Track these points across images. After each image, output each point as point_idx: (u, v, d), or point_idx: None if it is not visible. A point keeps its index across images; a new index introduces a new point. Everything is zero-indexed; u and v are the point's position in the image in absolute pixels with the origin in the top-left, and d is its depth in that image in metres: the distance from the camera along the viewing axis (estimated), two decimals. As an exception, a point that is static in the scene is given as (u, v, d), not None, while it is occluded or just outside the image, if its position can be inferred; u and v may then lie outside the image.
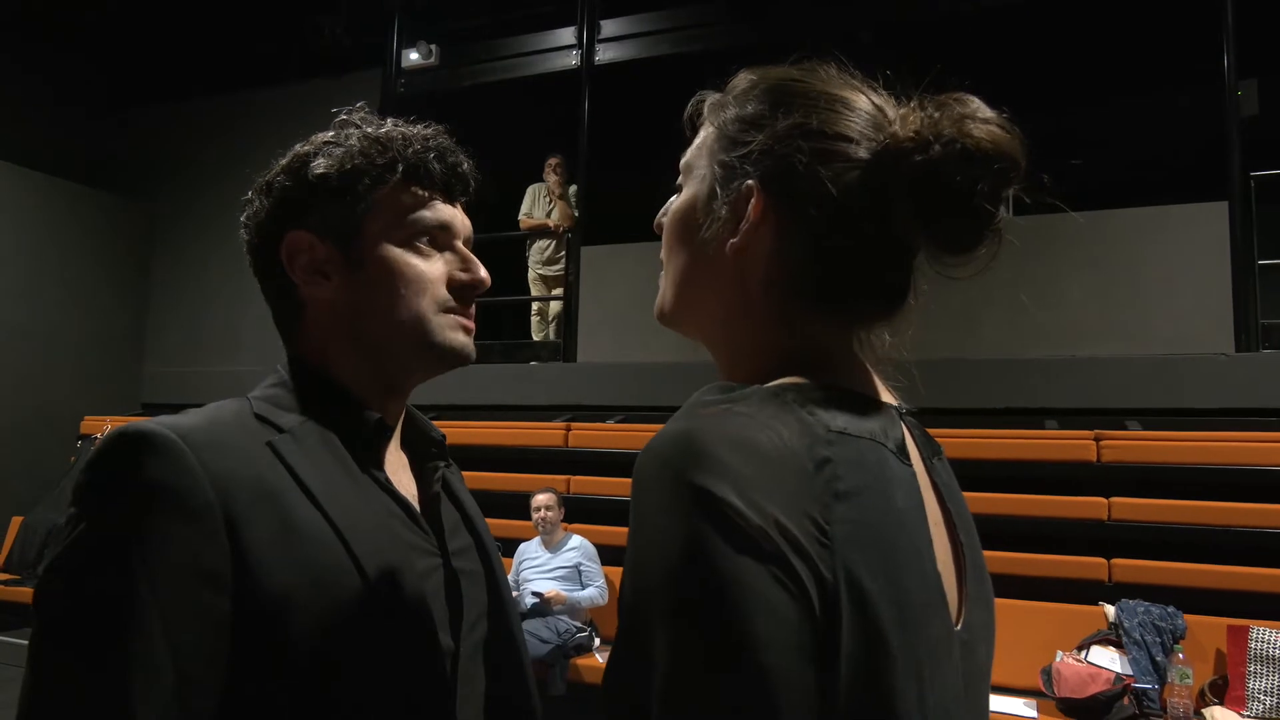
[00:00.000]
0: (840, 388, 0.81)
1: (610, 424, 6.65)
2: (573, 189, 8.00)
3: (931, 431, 0.93)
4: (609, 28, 7.91)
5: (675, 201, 0.92)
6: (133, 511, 0.90)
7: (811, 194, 0.82)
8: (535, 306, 8.14)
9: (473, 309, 1.15)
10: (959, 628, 0.81)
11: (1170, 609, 4.60)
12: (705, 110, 0.92)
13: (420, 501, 1.14)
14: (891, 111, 0.85)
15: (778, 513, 0.69)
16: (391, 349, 1.11)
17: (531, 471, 6.40)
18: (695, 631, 0.67)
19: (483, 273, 1.14)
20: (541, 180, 8.16)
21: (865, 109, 0.85)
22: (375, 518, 1.02)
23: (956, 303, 6.12)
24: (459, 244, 1.16)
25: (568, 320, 7.73)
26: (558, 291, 7.97)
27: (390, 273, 1.10)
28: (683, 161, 0.92)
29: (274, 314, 1.15)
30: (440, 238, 1.14)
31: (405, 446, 1.19)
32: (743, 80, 0.91)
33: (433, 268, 1.12)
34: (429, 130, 1.15)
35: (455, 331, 1.12)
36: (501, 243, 8.07)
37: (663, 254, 0.92)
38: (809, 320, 0.85)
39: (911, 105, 0.85)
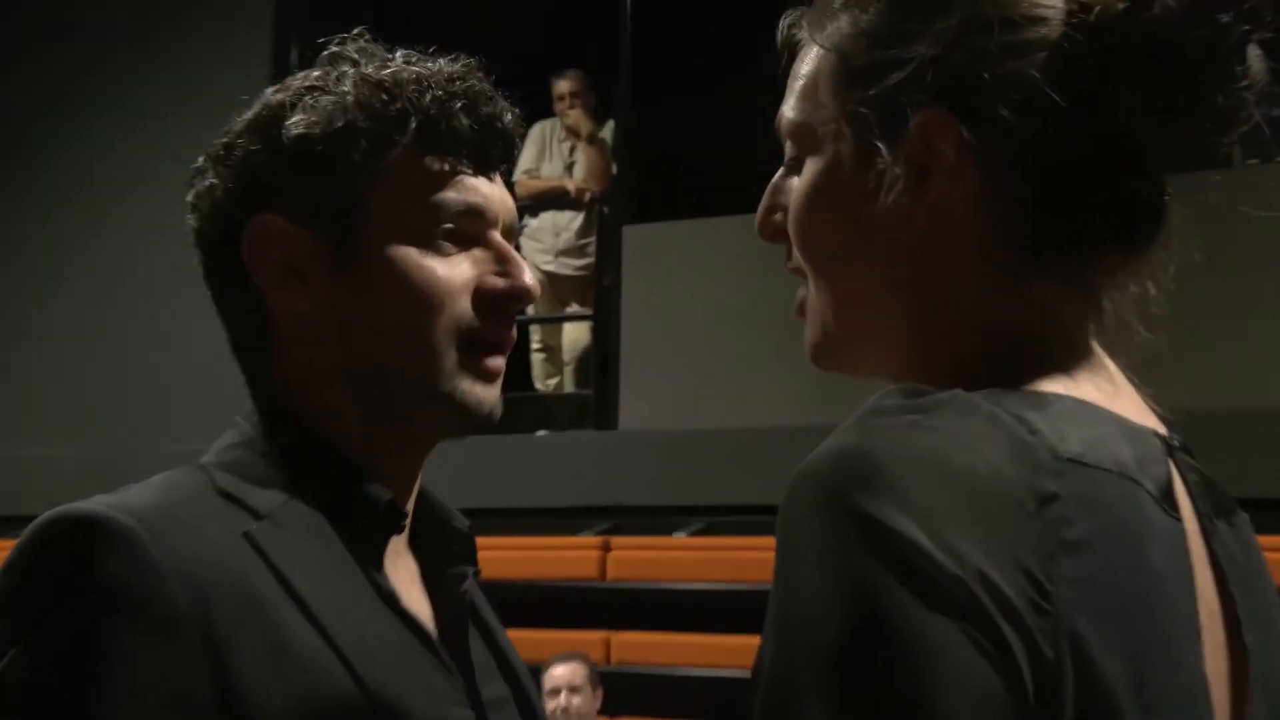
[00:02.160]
0: (1076, 398, 0.70)
1: (679, 537, 5.49)
2: (607, 128, 6.67)
3: None
4: None
5: (794, 181, 0.78)
6: (84, 627, 0.81)
7: (1010, 105, 0.70)
8: (539, 334, 6.84)
9: (510, 333, 0.97)
10: None
11: None
12: (805, 32, 0.79)
13: (439, 625, 0.97)
14: None
15: (980, 560, 0.59)
16: (395, 388, 0.94)
17: (543, 624, 5.10)
18: (865, 713, 0.58)
19: (527, 277, 0.97)
20: (553, 116, 6.74)
21: None
22: (391, 646, 0.90)
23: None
24: (495, 235, 0.97)
25: (601, 356, 6.36)
26: (578, 308, 6.67)
27: (394, 279, 0.93)
28: (786, 118, 0.78)
29: (232, 338, 0.99)
30: (469, 227, 0.96)
31: (415, 539, 1.01)
32: None
33: (455, 272, 0.94)
34: (456, 68, 0.96)
35: (471, 380, 0.95)
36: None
37: (798, 261, 0.78)
38: (1031, 279, 0.73)
39: None
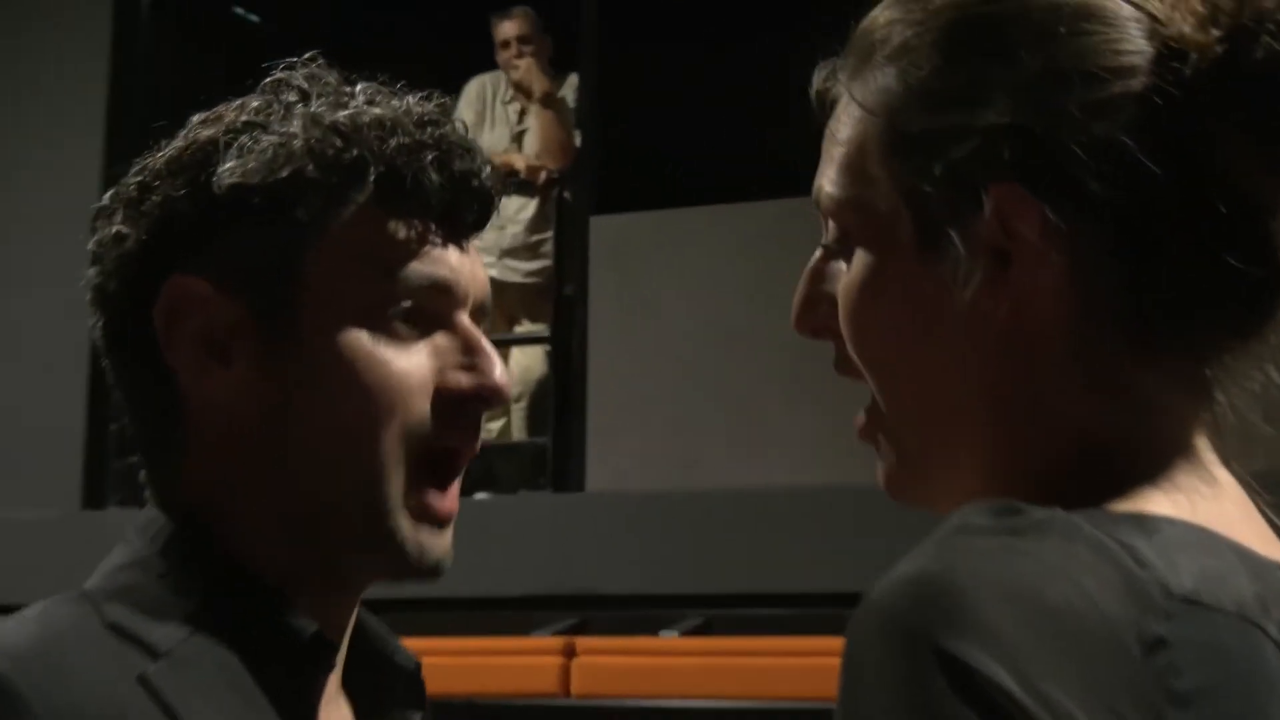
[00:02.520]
0: (1189, 523, 0.68)
1: (667, 638, 4.74)
2: (568, 84, 5.91)
3: None
4: None
5: (839, 267, 0.77)
6: None
7: (1099, 175, 0.69)
8: None
9: (474, 444, 0.94)
10: None
11: None
12: (844, 87, 0.76)
13: None
14: (1153, 2, 0.72)
15: (1076, 711, 0.58)
16: (324, 517, 0.90)
17: None
18: None
19: (498, 373, 0.93)
20: (495, 69, 6.03)
21: (1127, 13, 0.71)
22: None
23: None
24: (462, 318, 0.94)
25: (561, 392, 5.73)
26: (531, 326, 5.98)
27: (337, 369, 0.89)
28: (826, 193, 0.76)
29: (134, 422, 0.95)
30: (432, 307, 0.92)
31: (350, 677, 0.99)
32: (893, 15, 0.75)
33: (412, 364, 0.91)
34: (428, 109, 0.93)
35: (417, 521, 0.90)
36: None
37: (862, 369, 0.77)
38: (1132, 375, 0.72)
39: None
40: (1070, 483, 0.68)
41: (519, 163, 5.82)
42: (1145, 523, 0.64)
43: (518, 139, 5.96)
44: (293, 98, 0.91)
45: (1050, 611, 0.59)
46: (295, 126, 0.89)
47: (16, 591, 5.23)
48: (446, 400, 0.90)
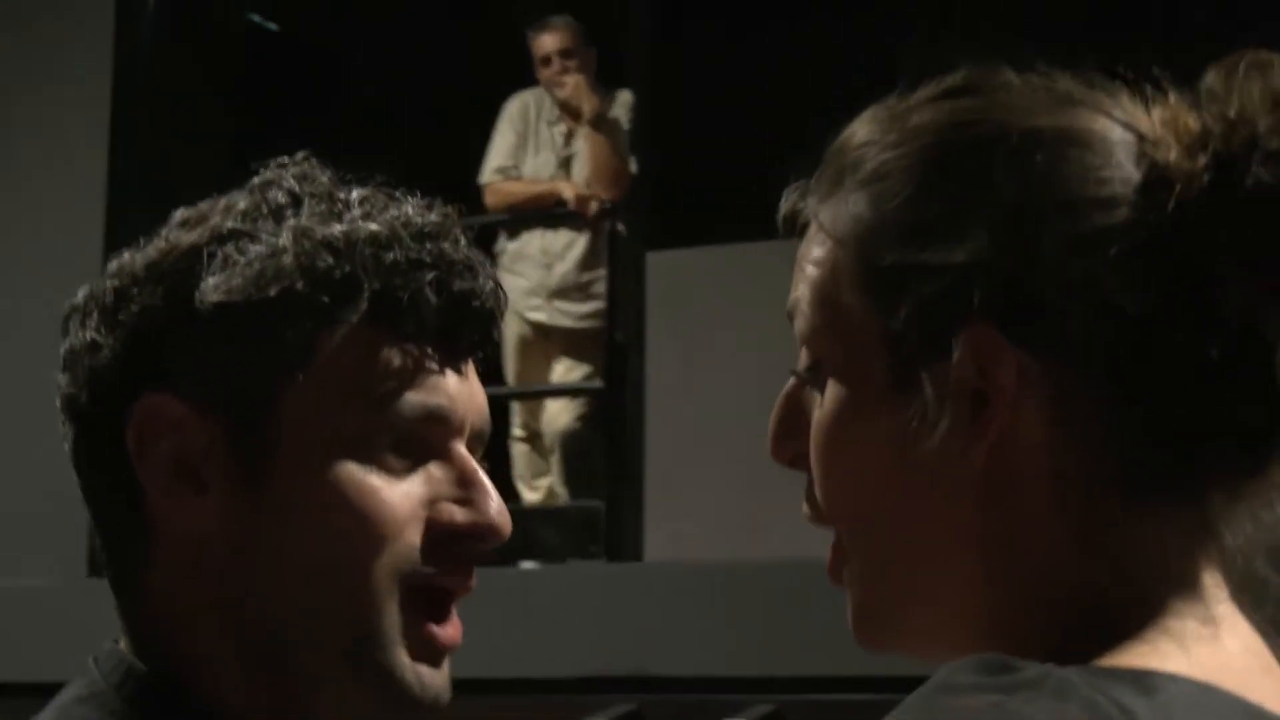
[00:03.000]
0: (1192, 680, 0.67)
1: None
2: (621, 103, 5.51)
3: None
4: None
5: (812, 397, 0.78)
6: None
7: (1079, 315, 0.70)
8: (522, 416, 5.78)
9: (468, 582, 0.95)
10: None
11: None
12: (814, 211, 0.78)
13: None
14: (1144, 121, 0.73)
15: None
16: (308, 654, 0.90)
17: None
18: None
19: (494, 510, 0.93)
20: (536, 85, 5.66)
21: (1115, 136, 0.73)
22: None
23: None
24: (458, 448, 0.94)
25: (616, 449, 5.36)
26: (579, 371, 5.60)
27: (321, 498, 0.89)
28: (801, 315, 0.78)
29: (101, 539, 0.95)
30: (426, 436, 0.93)
31: None
32: (867, 136, 0.77)
33: (402, 496, 0.91)
34: (427, 220, 0.93)
35: (413, 655, 0.90)
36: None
37: (827, 514, 0.78)
38: (1123, 522, 0.72)
39: (1164, 100, 0.74)
40: (1062, 635, 0.68)
41: (567, 192, 5.53)
42: (1144, 681, 0.64)
43: (565, 164, 5.65)
44: (282, 200, 0.91)
45: None
46: (285, 239, 0.89)
47: (21, 661, 5.13)
48: (438, 534, 0.91)
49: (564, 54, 5.40)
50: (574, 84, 5.39)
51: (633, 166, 5.47)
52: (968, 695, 0.62)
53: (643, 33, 5.64)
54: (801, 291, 0.76)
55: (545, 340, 5.60)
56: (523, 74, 5.79)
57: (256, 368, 0.89)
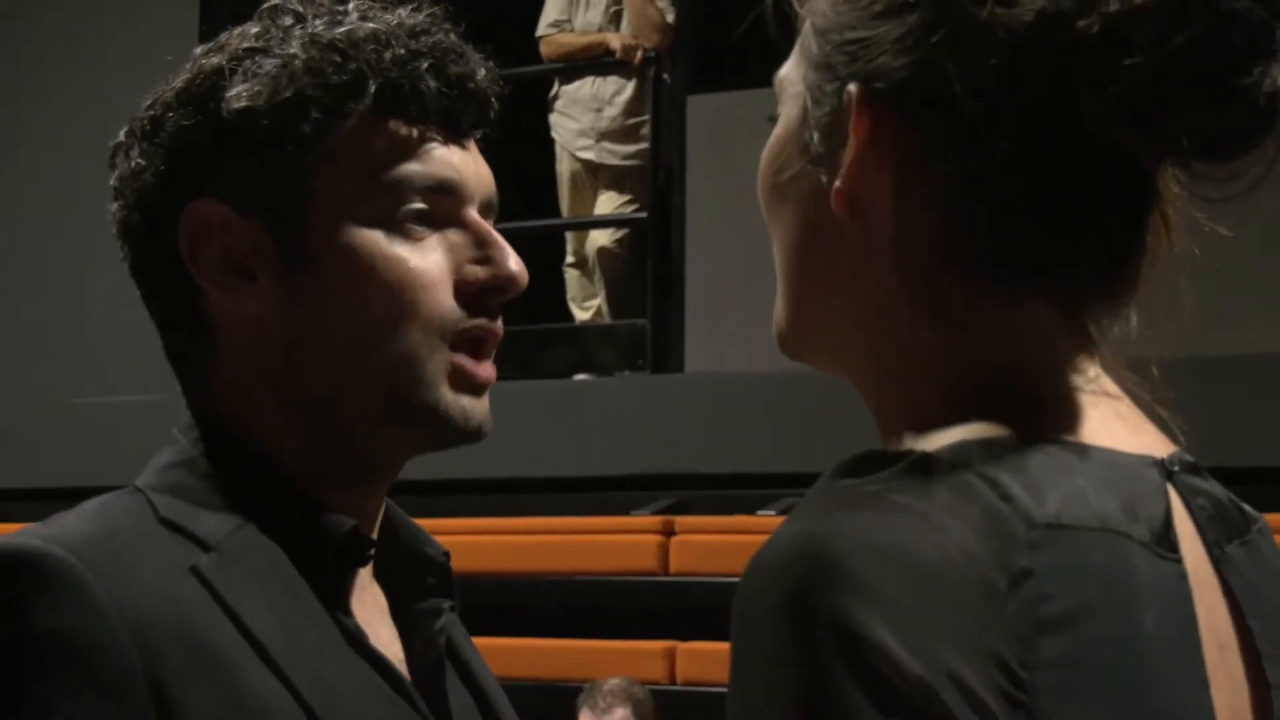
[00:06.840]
0: (1055, 442, 0.69)
1: (765, 516, 4.95)
2: None
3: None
4: None
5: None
6: (15, 688, 0.84)
7: (951, 94, 0.70)
8: (573, 244, 6.16)
9: (497, 331, 0.98)
10: None
11: None
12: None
13: (410, 668, 0.99)
14: None
15: (950, 656, 0.62)
16: (358, 408, 0.95)
17: (586, 633, 5.07)
18: None
19: (513, 263, 0.97)
20: None
21: None
22: (360, 694, 0.93)
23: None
24: (471, 214, 0.97)
25: (657, 276, 5.76)
26: (625, 202, 5.96)
27: (358, 272, 0.93)
28: (777, 77, 0.81)
29: (166, 343, 1.00)
30: (440, 206, 0.96)
31: (380, 568, 1.03)
32: None
33: (429, 260, 0.94)
34: (419, 20, 0.96)
35: (458, 389, 0.94)
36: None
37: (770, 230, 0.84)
38: (990, 306, 0.73)
39: None
40: (947, 403, 0.69)
41: (615, 42, 5.82)
42: (1008, 451, 0.66)
43: (614, 19, 5.91)
44: (289, 20, 0.94)
45: (919, 564, 0.62)
46: (295, 48, 0.93)
47: (115, 472, 5.36)
48: (466, 293, 0.94)
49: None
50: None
51: (669, 17, 5.75)
52: (847, 494, 0.65)
53: None
54: (785, 66, 0.79)
55: (593, 176, 5.96)
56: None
57: (283, 163, 0.93)
